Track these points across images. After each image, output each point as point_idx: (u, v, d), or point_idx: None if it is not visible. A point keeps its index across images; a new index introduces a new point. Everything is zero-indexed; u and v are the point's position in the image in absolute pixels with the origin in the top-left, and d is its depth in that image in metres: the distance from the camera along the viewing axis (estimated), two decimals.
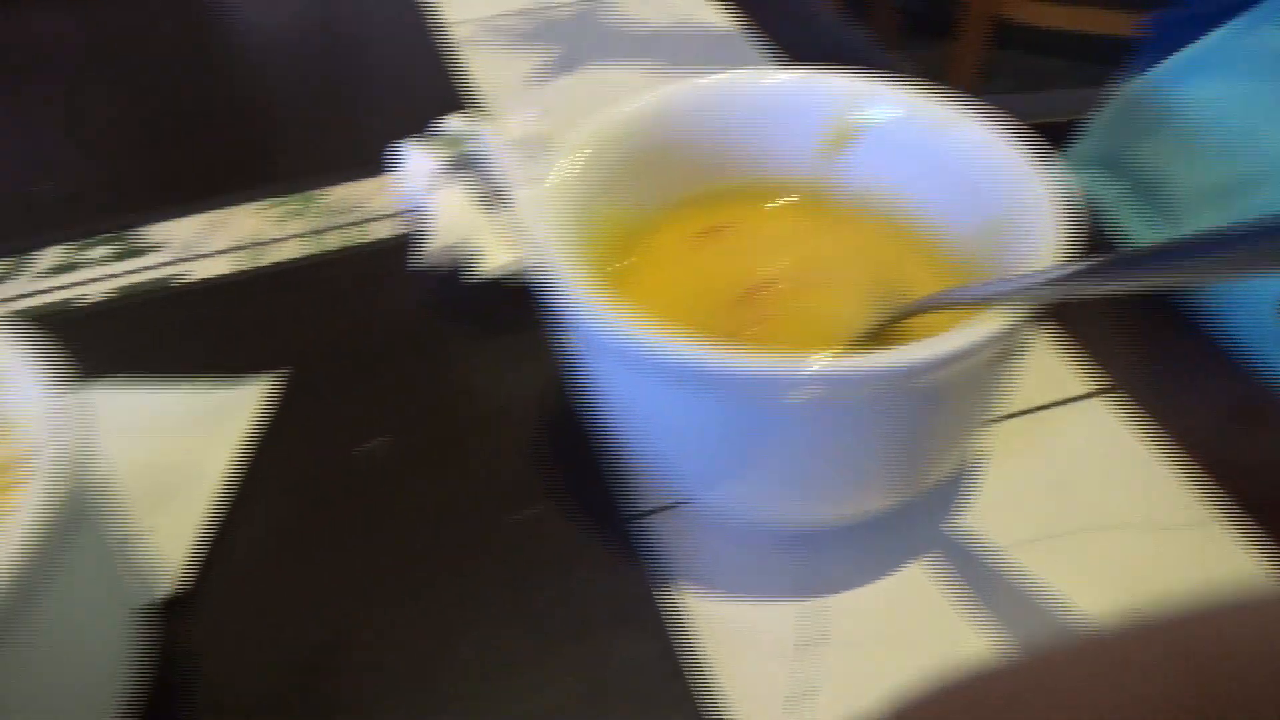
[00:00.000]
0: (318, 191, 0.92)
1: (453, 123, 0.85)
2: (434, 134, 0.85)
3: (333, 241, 0.85)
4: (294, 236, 0.86)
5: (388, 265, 0.82)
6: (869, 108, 0.63)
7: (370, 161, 0.92)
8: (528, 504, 0.62)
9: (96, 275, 0.85)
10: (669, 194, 0.65)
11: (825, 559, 0.58)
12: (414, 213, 0.84)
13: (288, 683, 0.54)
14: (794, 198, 0.67)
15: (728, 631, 0.55)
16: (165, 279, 0.83)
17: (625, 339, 0.47)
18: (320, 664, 0.55)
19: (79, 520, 0.43)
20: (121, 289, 0.82)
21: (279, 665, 0.55)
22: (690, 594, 0.56)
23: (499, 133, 0.81)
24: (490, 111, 0.84)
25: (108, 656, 0.48)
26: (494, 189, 0.79)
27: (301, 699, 0.54)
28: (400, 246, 0.83)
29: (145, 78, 1.18)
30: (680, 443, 0.53)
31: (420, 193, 0.80)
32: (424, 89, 1.08)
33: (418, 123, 0.88)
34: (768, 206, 0.67)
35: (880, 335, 0.56)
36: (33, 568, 0.38)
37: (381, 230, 0.86)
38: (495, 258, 0.73)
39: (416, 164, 0.82)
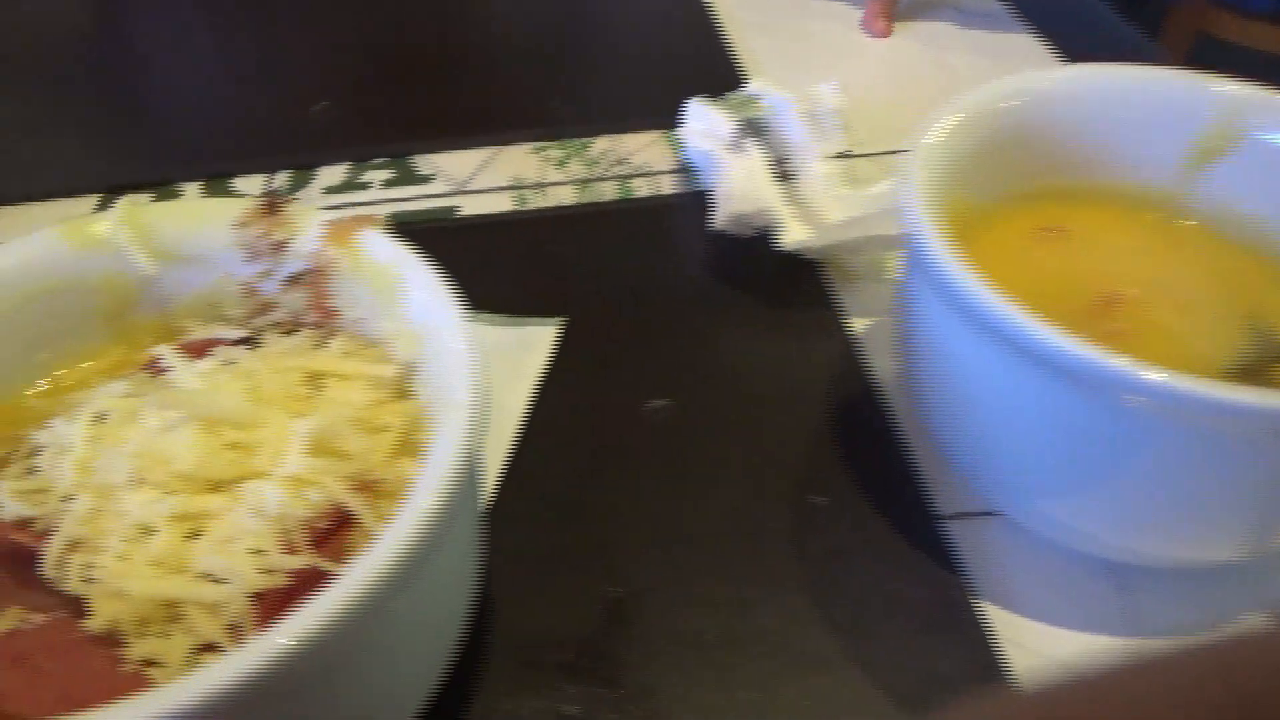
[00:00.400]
0: (590, 139, 0.91)
1: (747, 86, 0.82)
2: (726, 96, 0.83)
3: (607, 191, 0.85)
4: (569, 182, 0.86)
5: (668, 222, 0.81)
6: (1255, 119, 0.57)
7: (648, 115, 0.91)
8: (824, 488, 0.60)
9: (375, 199, 0.86)
10: (1009, 187, 0.61)
11: (1156, 599, 0.54)
12: (698, 172, 0.83)
13: (576, 635, 0.54)
14: (1144, 207, 0.62)
15: (1043, 657, 0.52)
16: (441, 210, 0.84)
17: (996, 312, 0.44)
18: (608, 622, 0.54)
19: (477, 449, 0.43)
20: (399, 215, 0.84)
21: (567, 617, 0.55)
22: (1004, 611, 0.53)
23: (793, 102, 0.78)
24: (779, 81, 0.82)
25: (469, 580, 0.48)
26: (784, 159, 0.77)
27: (590, 656, 0.53)
28: (682, 204, 0.81)
29: (428, 9, 1.19)
30: (1031, 442, 0.50)
31: (707, 154, 0.78)
32: (704, 52, 1.06)
33: (697, 84, 0.86)
34: (1111, 211, 0.62)
35: (1252, 371, 0.52)
36: (457, 497, 0.39)
37: (660, 185, 0.85)
38: (792, 231, 0.71)
39: (705, 123, 0.80)
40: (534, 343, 0.68)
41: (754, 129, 0.79)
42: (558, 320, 0.71)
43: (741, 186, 0.73)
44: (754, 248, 0.75)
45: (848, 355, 0.68)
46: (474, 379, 0.42)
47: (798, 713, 0.50)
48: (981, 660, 0.52)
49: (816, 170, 0.73)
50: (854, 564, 0.56)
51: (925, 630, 0.53)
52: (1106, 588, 0.55)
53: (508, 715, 0.51)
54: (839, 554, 0.57)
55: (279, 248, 0.51)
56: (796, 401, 0.66)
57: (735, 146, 0.76)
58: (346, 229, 0.50)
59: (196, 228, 0.52)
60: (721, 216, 0.73)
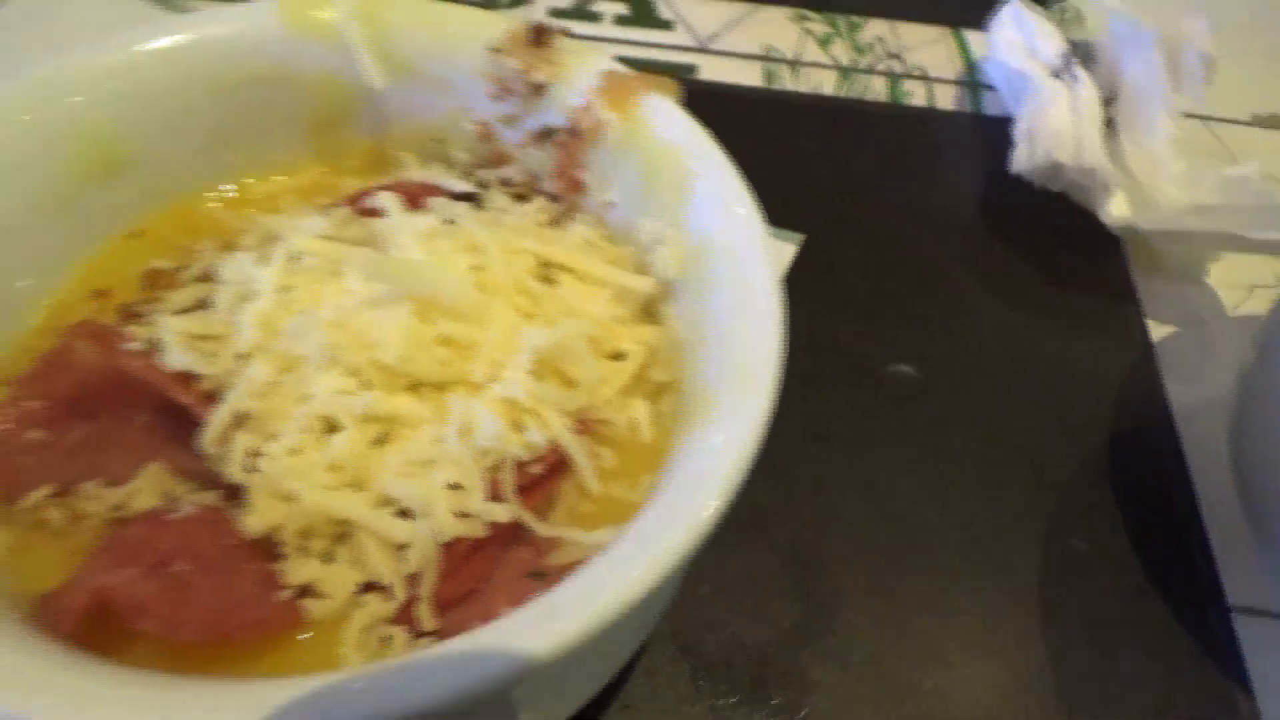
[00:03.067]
0: (862, 19, 0.76)
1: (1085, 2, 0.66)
2: (1053, 3, 0.67)
3: (874, 88, 0.71)
4: (830, 66, 0.72)
5: (946, 145, 0.67)
6: None
7: (936, 4, 0.75)
8: (1089, 531, 0.49)
9: (603, 34, 0.74)
10: None
11: None
12: (998, 92, 0.68)
13: (758, 644, 0.46)
14: None
15: None
16: (676, 66, 0.71)
17: None
18: (797, 634, 0.46)
19: None
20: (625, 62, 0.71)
21: (751, 620, 0.46)
22: None
23: (1155, 34, 0.62)
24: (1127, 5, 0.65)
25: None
26: (1110, 99, 0.61)
27: (771, 670, 0.45)
28: (966, 127, 0.67)
29: None
30: None
31: (1019, 74, 0.63)
32: None
33: None
34: None
35: None
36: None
37: (940, 96, 0.70)
38: (1120, 205, 0.57)
39: (1023, 33, 0.65)
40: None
41: (1083, 55, 0.63)
42: (796, 238, 0.59)
43: (1064, 129, 0.58)
44: (1052, 204, 0.61)
45: (1143, 368, 0.55)
46: (779, 341, 0.32)
47: None
48: None
49: (1162, 130, 0.58)
50: (1111, 637, 0.46)
51: None
52: None
53: (673, 713, 0.43)
54: (1096, 621, 0.46)
55: (536, 91, 0.40)
56: (1071, 412, 0.53)
57: (1062, 73, 0.61)
58: (630, 88, 0.38)
59: (443, 41, 0.41)
60: (1026, 158, 0.59)
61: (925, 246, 0.61)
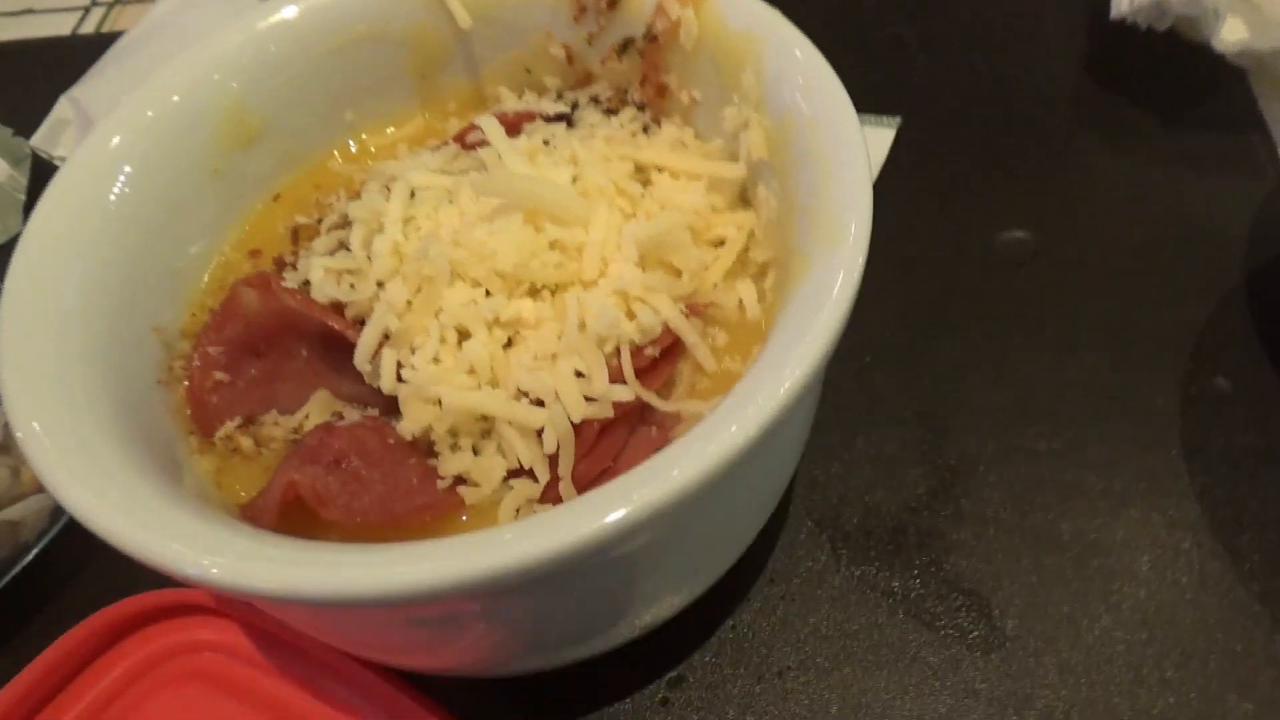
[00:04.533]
0: None
1: None
2: None
3: None
4: None
5: (1038, 2, 0.65)
6: None
7: None
8: (1230, 369, 0.48)
9: None
10: None
11: None
12: None
13: (895, 506, 0.47)
14: None
15: None
16: None
17: None
18: (932, 497, 0.47)
19: None
20: None
21: (887, 485, 0.48)
22: None
23: None
24: None
25: (805, 433, 0.42)
26: None
27: (910, 532, 0.46)
28: None
29: None
30: None
31: None
32: None
33: None
34: None
35: None
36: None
37: None
38: (1234, 29, 0.54)
39: None
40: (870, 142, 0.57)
41: None
42: (893, 121, 0.59)
43: None
44: (1160, 45, 0.58)
45: (1277, 197, 0.53)
46: (866, 197, 0.33)
47: (1162, 654, 0.41)
48: None
49: None
50: (1260, 467, 0.45)
51: None
52: None
53: (817, 582, 0.45)
54: (1244, 457, 0.45)
55: (611, 4, 0.42)
56: (1199, 252, 0.52)
57: None
58: None
59: None
60: (1127, 1, 0.57)
61: (1029, 111, 0.60)
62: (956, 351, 0.51)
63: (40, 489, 0.48)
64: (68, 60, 0.71)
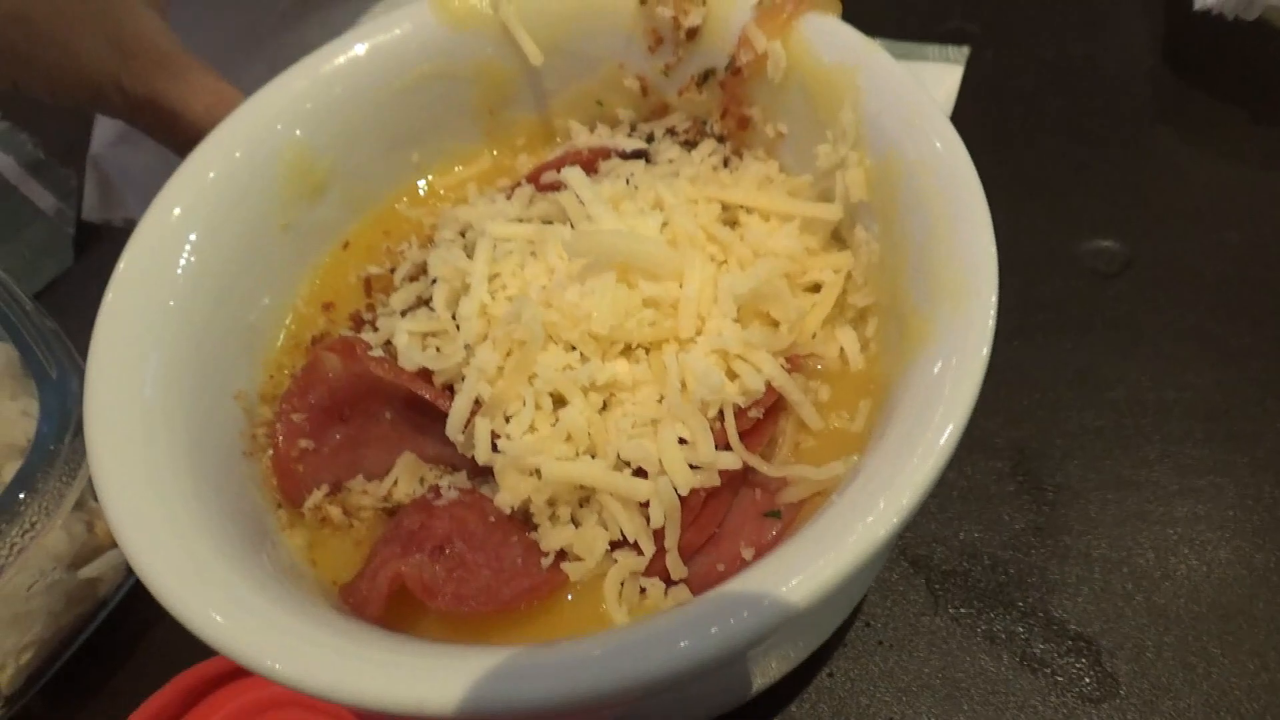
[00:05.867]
0: None
1: None
2: None
3: None
4: None
5: None
6: None
7: None
8: None
9: None
10: None
11: None
12: None
13: (990, 546, 0.45)
14: None
15: None
16: None
17: None
18: (1028, 535, 0.45)
19: None
20: None
21: (980, 526, 0.46)
22: None
23: None
24: None
25: None
26: None
27: (1007, 574, 0.44)
28: None
29: None
30: None
31: None
32: None
33: None
34: None
35: None
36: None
37: None
38: None
39: None
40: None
41: None
42: (960, 53, 0.57)
43: None
44: (1248, 35, 0.55)
45: None
46: (993, 255, 0.31)
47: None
48: None
49: None
50: None
51: None
52: None
53: (914, 626, 0.44)
54: None
55: (690, 35, 0.40)
56: None
57: None
58: (787, 12, 0.37)
59: (592, 3, 0.41)
60: None
61: (1107, 104, 0.57)
62: (1048, 374, 0.49)
63: (114, 544, 0.48)
64: None
